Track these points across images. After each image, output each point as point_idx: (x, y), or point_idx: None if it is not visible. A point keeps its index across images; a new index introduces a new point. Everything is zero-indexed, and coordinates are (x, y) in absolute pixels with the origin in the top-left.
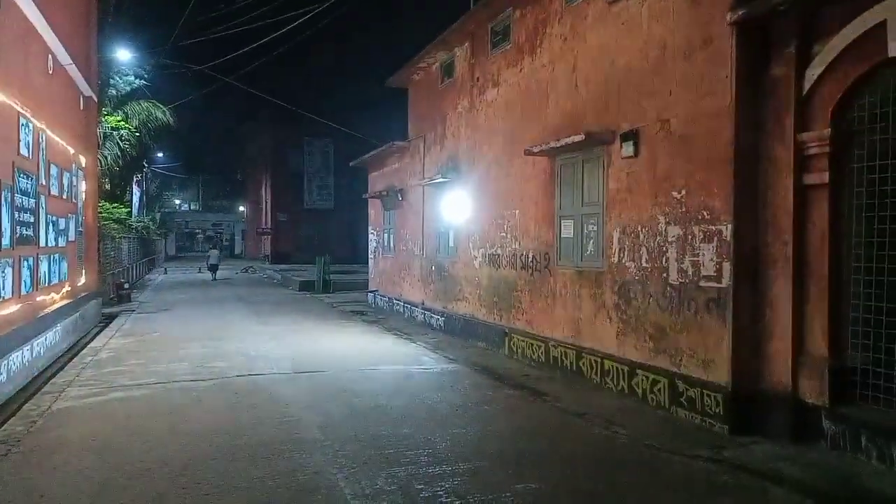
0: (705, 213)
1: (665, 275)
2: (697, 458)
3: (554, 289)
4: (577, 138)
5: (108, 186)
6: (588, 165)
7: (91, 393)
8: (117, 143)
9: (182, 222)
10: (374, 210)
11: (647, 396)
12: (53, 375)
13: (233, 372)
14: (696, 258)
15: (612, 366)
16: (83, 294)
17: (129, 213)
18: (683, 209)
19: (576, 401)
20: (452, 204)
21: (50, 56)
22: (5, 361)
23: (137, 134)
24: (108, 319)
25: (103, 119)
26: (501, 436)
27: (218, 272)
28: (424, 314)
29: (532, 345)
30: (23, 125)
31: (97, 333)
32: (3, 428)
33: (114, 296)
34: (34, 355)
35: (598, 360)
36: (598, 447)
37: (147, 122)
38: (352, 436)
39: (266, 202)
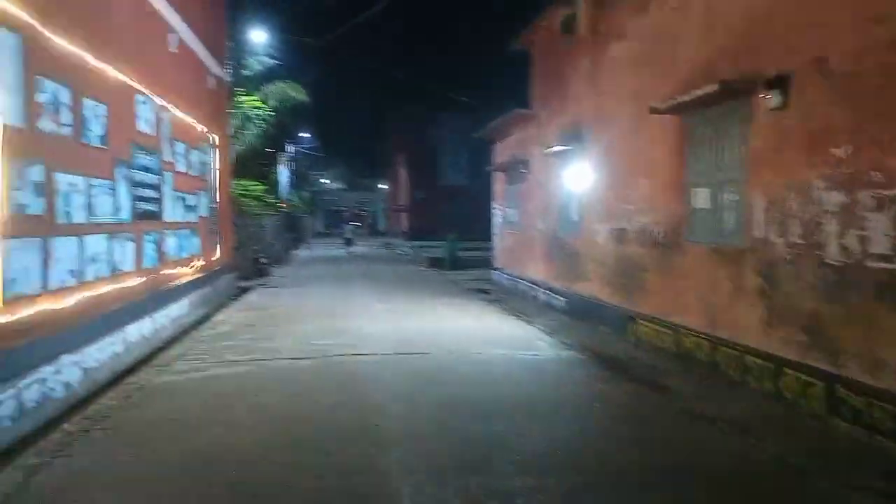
0: (877, 175)
1: (822, 253)
2: (862, 490)
3: (685, 269)
4: (711, 89)
5: (264, 168)
6: (725, 122)
7: (194, 368)
8: (258, 124)
9: (330, 200)
10: (499, 184)
11: (797, 402)
12: (170, 347)
13: (335, 351)
14: (863, 232)
15: (755, 362)
16: (217, 268)
17: (270, 191)
18: (847, 170)
19: (707, 402)
20: (575, 174)
21: (172, 35)
22: (122, 333)
23: (273, 114)
24: (243, 293)
25: (241, 101)
26: (609, 441)
27: (356, 248)
28: (546, 294)
29: (660, 332)
30: (141, 102)
31: (227, 306)
32: (99, 402)
33: (254, 270)
34: (157, 326)
35: (738, 354)
36: (729, 464)
37: (283, 101)
38: (434, 431)
39: (403, 180)
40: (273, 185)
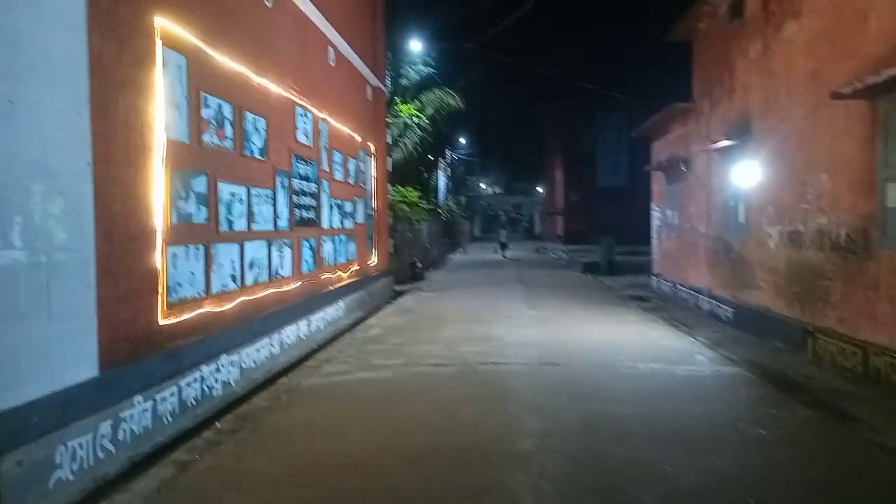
0: None
1: None
2: None
3: (877, 277)
4: None
5: (423, 174)
6: None
7: (341, 371)
8: (416, 132)
9: (486, 205)
10: (658, 184)
11: None
12: (322, 349)
13: (477, 359)
14: None
15: None
16: (373, 273)
17: (426, 197)
18: None
19: None
20: (741, 171)
21: (330, 49)
22: (279, 335)
23: (430, 122)
24: (397, 296)
25: (399, 109)
26: (774, 477)
27: (511, 252)
28: (710, 303)
29: (844, 350)
30: (300, 114)
31: (382, 309)
32: (252, 401)
33: (409, 274)
34: (312, 329)
35: None
36: None
37: (440, 109)
38: (570, 452)
39: (559, 182)
40: (431, 191)
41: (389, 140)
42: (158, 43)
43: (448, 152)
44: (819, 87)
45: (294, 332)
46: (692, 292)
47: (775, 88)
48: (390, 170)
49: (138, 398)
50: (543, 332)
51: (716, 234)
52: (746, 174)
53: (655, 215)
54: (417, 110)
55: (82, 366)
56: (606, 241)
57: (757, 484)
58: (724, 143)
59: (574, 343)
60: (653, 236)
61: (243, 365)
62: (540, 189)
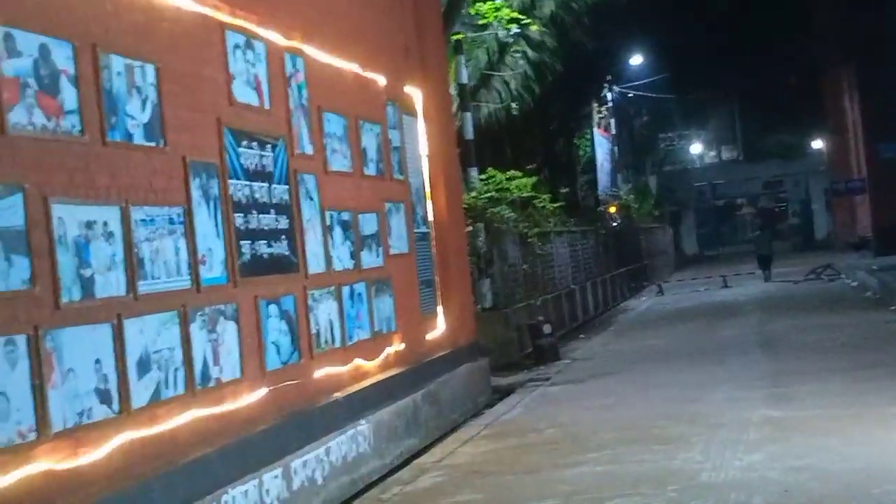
0: None
1: None
2: None
3: None
4: None
5: (559, 139)
6: None
7: None
8: (524, 53)
9: (704, 188)
10: None
11: None
12: None
13: None
14: None
15: None
16: (437, 354)
17: (561, 186)
18: None
19: None
20: None
21: None
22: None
23: (553, 31)
24: (498, 398)
25: (479, 11)
26: None
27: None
28: None
29: None
30: (236, 47)
31: (459, 429)
32: None
33: (528, 349)
34: (295, 487)
35: None
36: None
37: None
38: None
39: (854, 127)
40: (575, 175)
41: (464, 78)
42: None
43: (608, 90)
44: None
45: (250, 498)
46: None
47: None
48: (470, 138)
49: None
50: (787, 456)
51: None
52: None
53: None
54: (523, 9)
55: None
56: None
57: None
58: None
59: (838, 475)
60: None
61: None
62: (819, 145)
